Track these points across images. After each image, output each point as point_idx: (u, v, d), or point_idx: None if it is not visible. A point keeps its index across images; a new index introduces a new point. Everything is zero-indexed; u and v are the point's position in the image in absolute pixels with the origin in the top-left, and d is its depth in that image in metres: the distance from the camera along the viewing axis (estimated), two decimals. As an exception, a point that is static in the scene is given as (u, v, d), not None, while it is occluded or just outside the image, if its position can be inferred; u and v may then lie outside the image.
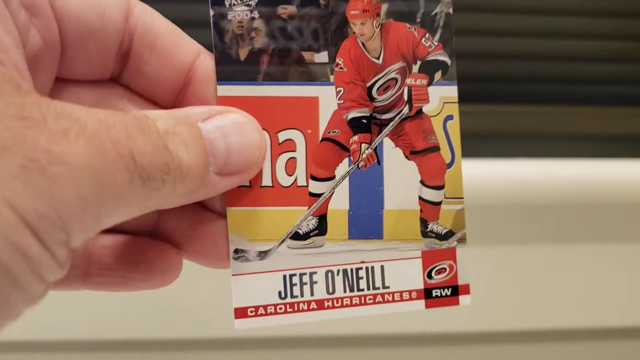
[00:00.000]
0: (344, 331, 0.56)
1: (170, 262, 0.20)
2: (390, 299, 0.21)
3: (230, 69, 0.20)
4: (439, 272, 0.22)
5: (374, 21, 0.21)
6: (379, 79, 0.21)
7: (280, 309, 0.21)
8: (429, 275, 0.22)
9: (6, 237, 0.13)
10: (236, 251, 0.20)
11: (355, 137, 0.21)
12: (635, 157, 0.64)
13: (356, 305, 0.21)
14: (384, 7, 0.21)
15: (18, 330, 0.52)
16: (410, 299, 0.21)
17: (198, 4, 0.72)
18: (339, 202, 0.21)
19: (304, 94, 0.21)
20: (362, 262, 0.21)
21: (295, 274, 0.21)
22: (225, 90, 0.20)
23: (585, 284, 0.62)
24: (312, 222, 0.21)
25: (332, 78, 0.21)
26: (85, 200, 0.14)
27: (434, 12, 0.21)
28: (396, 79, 0.22)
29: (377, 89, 0.22)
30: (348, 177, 0.21)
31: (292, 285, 0.21)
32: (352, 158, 0.21)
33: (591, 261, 0.62)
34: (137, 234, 0.21)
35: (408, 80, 0.21)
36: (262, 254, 0.21)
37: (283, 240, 0.21)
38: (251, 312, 0.20)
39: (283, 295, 0.21)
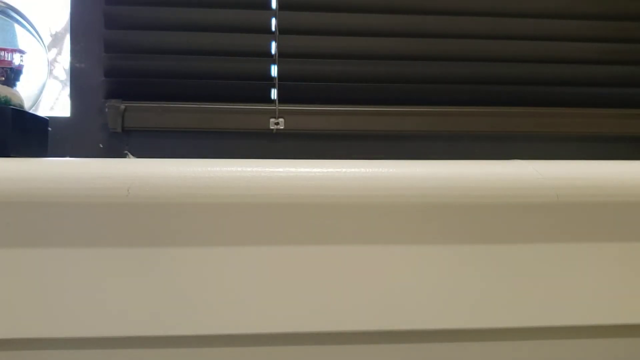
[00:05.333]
0: (341, 328, 0.56)
1: None
2: None
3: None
4: None
5: None
6: None
7: None
8: None
9: None
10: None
11: None
12: (635, 158, 0.66)
13: None
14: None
15: (15, 328, 0.51)
16: None
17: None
18: None
19: None
20: None
21: None
22: None
23: (584, 284, 0.62)
24: None
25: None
26: None
27: None
28: None
29: None
30: None
31: None
32: None
33: (591, 261, 0.62)
34: None
35: None
36: None
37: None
38: None
39: None
